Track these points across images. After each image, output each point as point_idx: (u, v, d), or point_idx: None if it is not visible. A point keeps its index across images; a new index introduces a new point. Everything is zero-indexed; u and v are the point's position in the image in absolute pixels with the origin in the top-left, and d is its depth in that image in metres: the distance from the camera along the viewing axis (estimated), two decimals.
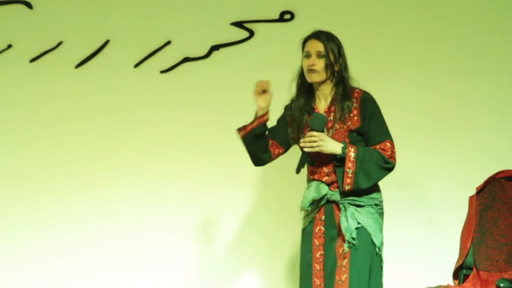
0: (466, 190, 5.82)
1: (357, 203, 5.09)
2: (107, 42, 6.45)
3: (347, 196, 5.08)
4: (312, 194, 5.10)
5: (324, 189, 5.11)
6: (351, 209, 5.08)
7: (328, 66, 5.09)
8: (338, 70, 5.12)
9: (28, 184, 6.55)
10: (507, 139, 6.47)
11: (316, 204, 5.11)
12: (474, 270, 5.65)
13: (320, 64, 5.08)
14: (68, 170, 6.52)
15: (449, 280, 5.73)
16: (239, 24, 6.43)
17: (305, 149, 5.00)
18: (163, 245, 6.56)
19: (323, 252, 5.11)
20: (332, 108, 5.13)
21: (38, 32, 6.44)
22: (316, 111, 5.16)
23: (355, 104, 5.12)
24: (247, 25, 6.43)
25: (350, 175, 5.06)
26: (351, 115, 5.10)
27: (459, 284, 5.66)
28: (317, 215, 5.13)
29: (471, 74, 6.44)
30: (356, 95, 5.12)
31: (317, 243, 5.12)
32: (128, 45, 6.44)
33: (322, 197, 5.09)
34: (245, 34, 6.41)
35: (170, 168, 6.50)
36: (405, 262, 6.35)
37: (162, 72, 6.43)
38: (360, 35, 6.42)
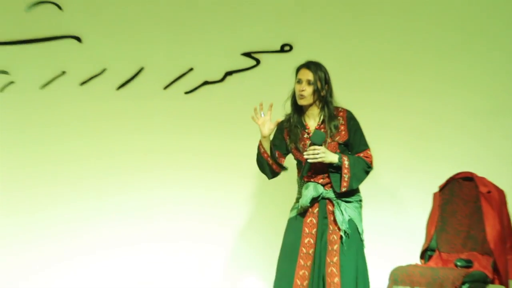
0: (431, 188, 6.19)
1: (347, 200, 5.38)
2: (141, 69, 6.65)
3: (339, 195, 5.34)
4: (312, 193, 5.32)
5: (320, 188, 5.34)
6: (343, 205, 5.35)
7: (315, 92, 5.30)
8: (324, 95, 5.32)
9: (82, 183, 6.65)
10: (463, 149, 6.60)
11: (313, 201, 5.34)
12: (437, 252, 6.04)
13: (308, 90, 5.31)
14: (110, 174, 6.67)
15: (417, 260, 6.09)
16: (248, 54, 6.67)
17: (309, 160, 5.21)
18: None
19: (312, 240, 5.32)
20: (322, 126, 5.35)
21: (86, 60, 6.62)
22: (307, 127, 5.37)
23: (341, 121, 5.36)
24: (255, 55, 6.66)
25: (346, 179, 5.31)
26: (339, 130, 5.37)
27: (425, 263, 6.04)
28: (310, 208, 5.34)
29: (433, 95, 6.61)
30: (341, 114, 5.38)
31: (307, 231, 5.34)
32: (158, 71, 6.65)
33: (319, 195, 5.35)
34: (253, 62, 6.66)
35: (187, 166, 6.65)
36: (382, 246, 6.48)
37: (186, 93, 6.67)
38: (347, 64, 6.62)
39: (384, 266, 6.05)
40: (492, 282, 5.83)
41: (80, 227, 6.65)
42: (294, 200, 5.47)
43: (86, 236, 6.64)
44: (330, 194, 5.37)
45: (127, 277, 6.65)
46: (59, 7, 6.64)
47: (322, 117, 5.41)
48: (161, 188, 6.66)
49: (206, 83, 6.69)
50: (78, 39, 6.66)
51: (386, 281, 5.87)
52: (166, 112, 6.67)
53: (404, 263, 5.97)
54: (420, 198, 6.47)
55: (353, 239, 5.37)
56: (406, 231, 6.56)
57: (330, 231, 5.33)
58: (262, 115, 5.33)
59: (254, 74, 6.64)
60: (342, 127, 5.42)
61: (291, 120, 5.42)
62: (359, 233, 5.41)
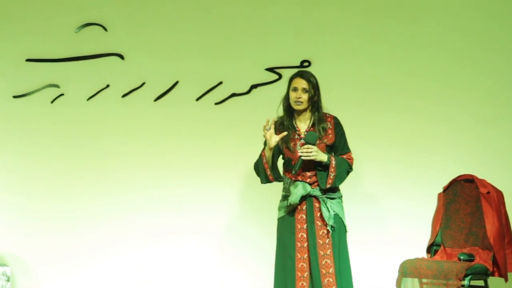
0: (435, 189, 6.23)
1: (331, 197, 5.45)
2: (177, 82, 6.66)
3: (325, 192, 5.42)
4: (301, 191, 5.37)
5: (308, 187, 5.41)
6: (328, 201, 5.42)
7: (310, 99, 5.42)
8: (315, 101, 5.44)
9: (123, 184, 6.62)
10: (466, 152, 6.59)
11: (302, 199, 5.39)
12: (442, 247, 6.05)
13: (304, 97, 5.41)
14: (148, 176, 6.64)
15: (424, 254, 6.11)
16: (271, 69, 6.68)
17: (303, 157, 5.30)
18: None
19: (304, 234, 5.34)
20: (312, 129, 5.44)
21: (127, 75, 6.64)
22: (298, 129, 5.43)
23: (329, 126, 5.46)
24: (277, 70, 6.66)
25: (331, 177, 5.40)
26: (327, 133, 5.46)
27: (431, 257, 6.03)
28: (299, 206, 5.39)
29: (439, 103, 6.60)
30: (329, 119, 5.49)
31: (299, 226, 5.38)
32: (191, 84, 6.67)
33: (307, 193, 5.40)
34: (275, 76, 6.67)
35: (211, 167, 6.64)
36: (391, 241, 6.52)
37: (216, 104, 6.67)
38: (359, 77, 6.63)
39: (393, 260, 6.11)
40: (492, 274, 5.85)
41: (124, 221, 6.66)
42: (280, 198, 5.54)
43: (132, 225, 6.65)
44: (316, 192, 5.44)
45: (147, 269, 6.65)
46: (104, 28, 6.69)
47: (312, 120, 5.49)
48: (194, 188, 6.67)
49: (233, 95, 6.74)
50: (120, 56, 6.71)
51: (396, 273, 5.90)
52: (198, 121, 6.71)
53: (412, 256, 5.98)
54: (425, 197, 6.49)
55: (340, 232, 5.44)
56: (413, 228, 6.56)
57: (318, 227, 5.39)
58: (268, 129, 5.40)
59: (277, 87, 6.62)
60: (330, 131, 5.51)
61: (284, 123, 5.50)
62: (344, 225, 5.47)
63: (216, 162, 6.68)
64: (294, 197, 5.38)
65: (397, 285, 5.84)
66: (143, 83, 6.70)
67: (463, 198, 6.11)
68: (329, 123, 5.49)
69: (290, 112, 5.52)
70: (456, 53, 6.67)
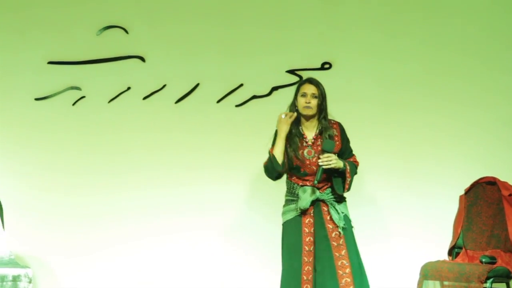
0: (457, 191, 6.30)
1: (338, 200, 5.49)
2: (197, 84, 6.70)
3: (332, 196, 5.45)
4: (311, 196, 5.40)
5: (317, 191, 5.44)
6: (336, 204, 5.46)
7: (319, 105, 5.46)
8: (323, 108, 5.47)
9: (142, 182, 6.63)
10: (488, 154, 6.65)
11: (311, 203, 5.41)
12: (463, 249, 6.07)
13: (313, 102, 5.46)
14: (169, 175, 6.66)
15: (445, 257, 6.14)
16: (291, 72, 6.69)
17: (324, 167, 5.33)
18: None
19: (312, 238, 5.37)
20: (319, 136, 5.47)
21: (148, 77, 6.67)
22: (305, 136, 5.46)
23: (335, 132, 5.51)
24: (298, 72, 6.68)
25: (348, 182, 5.46)
26: (334, 140, 5.48)
27: (452, 259, 6.06)
28: (307, 210, 5.40)
29: (460, 105, 6.66)
30: (335, 126, 5.54)
31: (306, 230, 5.41)
32: (212, 87, 6.70)
33: (317, 198, 5.42)
34: (296, 79, 6.66)
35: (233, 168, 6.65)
36: (413, 243, 6.53)
37: (236, 106, 6.71)
38: (380, 78, 6.66)
39: (415, 262, 6.10)
40: None
41: (147, 220, 6.69)
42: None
43: (156, 224, 6.67)
44: (324, 196, 5.47)
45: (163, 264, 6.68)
46: (126, 31, 6.71)
47: (319, 128, 5.52)
48: (215, 189, 6.68)
49: (254, 97, 6.76)
50: (142, 58, 6.73)
51: (417, 276, 5.91)
52: (219, 123, 6.74)
53: (434, 259, 6.02)
54: (447, 199, 6.51)
55: (350, 231, 5.48)
56: (434, 230, 6.58)
57: (330, 229, 5.42)
58: (283, 116, 5.45)
59: None
60: (336, 138, 5.55)
61: (292, 130, 5.52)
62: (352, 226, 5.51)
63: (236, 164, 6.69)
64: (305, 202, 5.42)
65: (418, 287, 5.83)
66: (164, 85, 6.73)
67: (485, 201, 6.11)
68: (335, 130, 5.53)
69: (297, 120, 5.54)
70: (479, 52, 6.70)
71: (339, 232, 5.39)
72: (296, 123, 5.53)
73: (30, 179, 6.61)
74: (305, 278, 5.34)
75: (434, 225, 6.58)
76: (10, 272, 5.70)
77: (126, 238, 6.65)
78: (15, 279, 5.68)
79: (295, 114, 5.50)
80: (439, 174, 6.68)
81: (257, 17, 6.73)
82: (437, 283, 5.76)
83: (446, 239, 6.27)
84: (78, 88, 6.68)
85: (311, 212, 5.44)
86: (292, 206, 5.48)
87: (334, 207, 5.44)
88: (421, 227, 6.62)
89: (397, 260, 6.49)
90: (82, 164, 6.66)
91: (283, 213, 5.53)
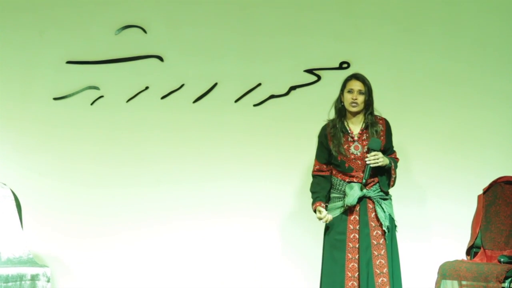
0: (475, 190, 6.29)
1: (384, 197, 5.50)
2: (215, 84, 6.71)
3: (378, 193, 5.47)
4: (358, 192, 5.40)
5: (363, 188, 5.46)
6: (382, 202, 5.47)
7: (365, 101, 5.47)
8: (369, 104, 5.48)
9: (158, 181, 6.64)
10: (505, 154, 6.65)
11: (358, 200, 5.43)
12: (482, 249, 6.07)
13: (360, 99, 5.46)
14: (184, 176, 6.68)
15: (463, 256, 6.14)
16: (310, 71, 6.71)
17: (372, 165, 5.36)
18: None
19: (357, 235, 5.38)
20: (365, 131, 5.47)
21: (167, 77, 6.67)
22: (351, 132, 5.46)
23: (381, 128, 5.50)
24: (316, 72, 6.69)
25: (393, 179, 5.49)
26: (380, 136, 5.50)
27: (470, 259, 6.06)
28: (353, 207, 5.41)
29: (478, 106, 6.69)
30: (380, 121, 5.54)
31: (351, 227, 5.42)
32: (230, 86, 6.70)
33: (364, 194, 5.44)
34: (314, 78, 6.70)
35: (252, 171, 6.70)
36: (431, 243, 6.56)
37: (254, 105, 6.72)
38: (396, 78, 6.69)
39: (433, 262, 6.15)
40: None
41: (159, 223, 6.70)
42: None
43: (167, 227, 6.69)
44: (370, 193, 5.46)
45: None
46: (144, 31, 6.69)
47: (365, 123, 5.51)
48: (232, 188, 6.71)
49: (272, 96, 6.77)
50: (160, 58, 6.73)
51: (435, 275, 5.90)
52: (237, 122, 6.76)
53: (451, 258, 6.04)
54: (465, 199, 6.53)
55: (392, 232, 5.49)
56: (453, 229, 6.59)
57: (373, 227, 5.42)
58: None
59: (316, 88, 6.71)
60: (382, 133, 5.54)
61: (337, 126, 5.51)
62: (395, 226, 5.52)
63: (254, 163, 6.71)
64: (352, 199, 5.40)
65: (436, 287, 5.83)
66: (182, 85, 6.73)
67: (504, 200, 6.10)
68: (381, 126, 5.53)
69: (342, 115, 5.53)
70: (495, 58, 6.69)
71: (382, 231, 5.39)
72: (341, 118, 5.52)
73: (48, 178, 6.62)
74: (349, 274, 5.35)
75: (452, 224, 6.57)
76: (28, 271, 5.70)
77: (146, 236, 6.65)
78: (34, 278, 5.68)
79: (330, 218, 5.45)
80: (457, 173, 6.66)
81: (275, 17, 6.73)
82: (455, 282, 5.75)
83: (464, 239, 6.25)
84: (96, 88, 6.69)
85: (357, 209, 5.44)
86: (339, 203, 5.47)
87: (380, 205, 5.44)
88: (439, 226, 6.61)
89: (415, 259, 6.47)
90: (100, 164, 6.66)
91: (328, 210, 5.50)
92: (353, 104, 5.46)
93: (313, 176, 5.59)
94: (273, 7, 6.73)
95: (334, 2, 6.74)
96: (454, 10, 6.73)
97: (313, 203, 5.50)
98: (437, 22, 6.72)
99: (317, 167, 5.57)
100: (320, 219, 5.42)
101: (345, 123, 5.52)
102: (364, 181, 5.41)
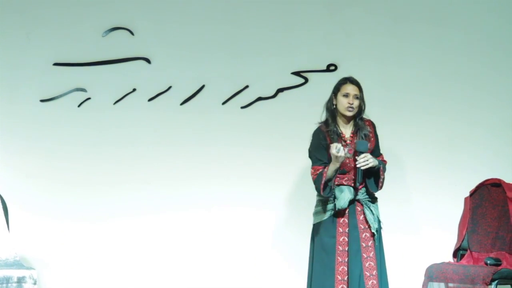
0: (463, 193, 6.29)
1: (372, 200, 5.48)
2: (203, 86, 6.70)
3: (367, 196, 5.45)
4: (349, 195, 5.38)
5: (353, 191, 5.43)
6: (371, 205, 5.45)
7: (360, 106, 5.44)
8: (363, 109, 5.46)
9: (149, 182, 6.65)
10: (493, 155, 6.67)
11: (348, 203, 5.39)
12: (468, 251, 6.08)
13: (356, 103, 5.42)
14: (172, 177, 6.67)
15: (450, 258, 6.14)
16: (297, 73, 6.71)
17: (362, 168, 5.29)
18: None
19: (346, 238, 5.35)
20: (355, 134, 5.44)
21: (154, 79, 6.65)
22: (343, 135, 5.42)
23: (369, 130, 5.49)
24: (303, 74, 6.70)
25: (381, 180, 5.44)
26: (370, 138, 5.47)
27: (457, 261, 6.06)
28: (341, 210, 5.38)
29: (466, 108, 6.69)
30: (367, 123, 5.51)
31: (341, 230, 5.38)
32: (218, 88, 6.70)
33: (354, 197, 5.41)
34: (302, 80, 6.70)
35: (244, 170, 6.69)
36: (417, 245, 6.56)
37: (242, 107, 6.71)
38: (385, 80, 6.72)
39: (420, 264, 6.10)
40: None
41: (149, 224, 6.70)
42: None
43: (158, 227, 6.69)
44: (359, 195, 5.44)
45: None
46: (131, 33, 6.68)
47: (355, 126, 5.48)
48: (221, 191, 6.70)
49: (260, 98, 6.77)
50: (147, 60, 6.72)
51: (422, 277, 5.90)
52: (224, 125, 6.75)
53: (438, 260, 6.03)
54: (451, 201, 6.52)
55: (379, 234, 5.48)
56: (439, 232, 6.58)
57: (362, 230, 5.40)
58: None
59: (303, 90, 6.72)
60: (371, 135, 5.52)
61: (330, 127, 5.46)
62: (381, 227, 5.51)
63: (241, 165, 6.70)
64: (343, 202, 5.37)
65: None
66: (170, 87, 6.72)
67: (490, 202, 6.10)
68: (368, 127, 5.51)
69: (334, 118, 5.49)
70: (484, 55, 6.71)
71: (370, 233, 5.37)
72: (334, 121, 5.47)
73: (35, 180, 6.60)
74: (339, 278, 5.32)
75: (439, 226, 6.57)
76: (15, 273, 5.68)
77: (133, 237, 6.65)
78: (20, 280, 5.66)
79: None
80: (444, 175, 6.67)
81: (262, 19, 6.74)
82: (442, 285, 5.74)
83: (451, 241, 6.25)
84: (83, 90, 6.67)
85: (346, 211, 5.40)
86: (329, 206, 5.41)
87: (369, 207, 5.41)
88: (426, 228, 6.62)
89: (402, 261, 6.45)
90: (88, 166, 6.64)
91: (315, 214, 5.48)
92: (349, 109, 5.42)
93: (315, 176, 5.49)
94: (260, 10, 6.74)
95: (322, 4, 6.75)
96: (442, 14, 6.74)
97: (322, 173, 5.34)
98: (425, 24, 6.73)
99: (317, 172, 5.47)
100: (335, 152, 5.23)
101: (337, 127, 5.49)
102: (357, 184, 5.36)
